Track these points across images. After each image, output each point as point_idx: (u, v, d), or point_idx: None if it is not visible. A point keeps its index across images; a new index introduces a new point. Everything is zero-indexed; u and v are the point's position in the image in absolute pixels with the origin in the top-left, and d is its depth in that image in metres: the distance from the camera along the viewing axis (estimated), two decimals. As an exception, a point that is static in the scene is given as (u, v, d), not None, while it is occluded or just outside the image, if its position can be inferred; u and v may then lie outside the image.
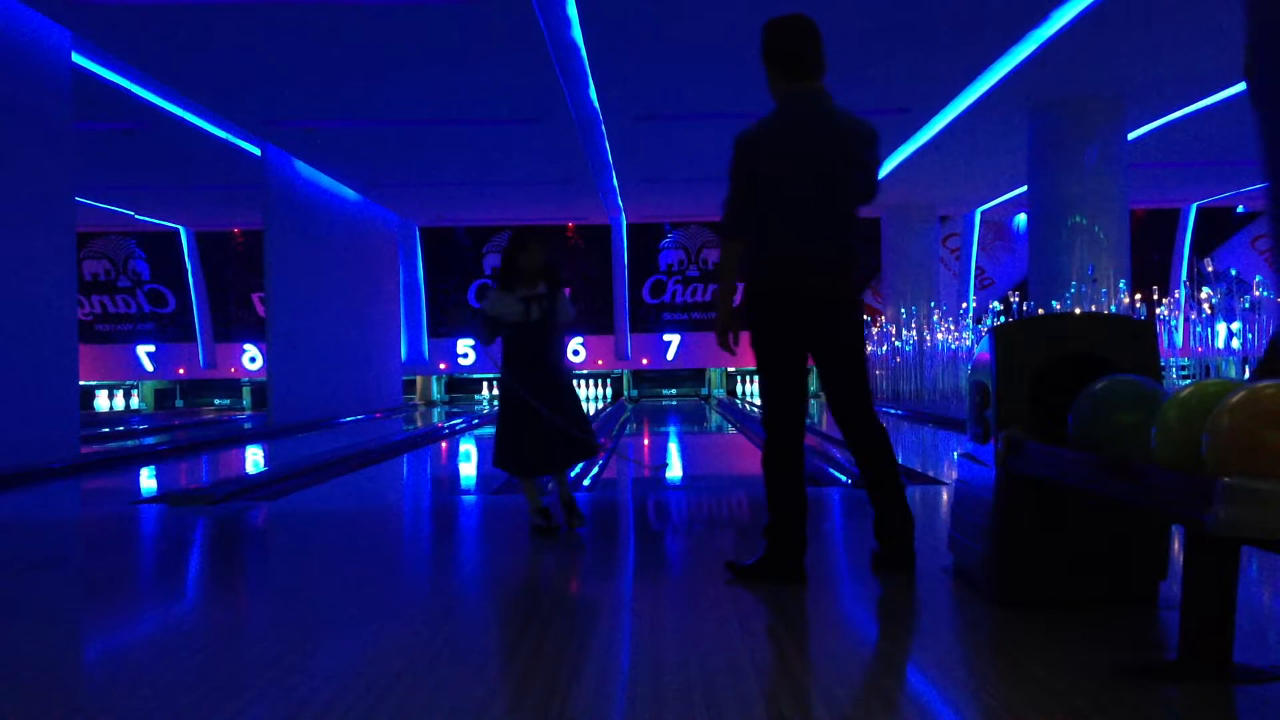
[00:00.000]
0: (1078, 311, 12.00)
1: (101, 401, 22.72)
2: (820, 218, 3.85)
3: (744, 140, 3.87)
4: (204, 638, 3.45)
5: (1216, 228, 21.84)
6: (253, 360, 22.29)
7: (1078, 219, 12.85)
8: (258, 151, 14.46)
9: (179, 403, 22.90)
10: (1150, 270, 20.22)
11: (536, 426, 4.95)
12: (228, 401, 22.85)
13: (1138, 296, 14.00)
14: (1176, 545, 3.51)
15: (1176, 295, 15.39)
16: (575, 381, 5.59)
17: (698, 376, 22.90)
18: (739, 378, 22.78)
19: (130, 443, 12.78)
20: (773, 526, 3.84)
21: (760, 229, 3.86)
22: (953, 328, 17.54)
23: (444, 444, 12.11)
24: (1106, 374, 3.11)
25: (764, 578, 3.80)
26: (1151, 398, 2.82)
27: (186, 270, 22.34)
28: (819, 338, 3.91)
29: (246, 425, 15.97)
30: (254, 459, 11.23)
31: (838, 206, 3.88)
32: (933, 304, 18.83)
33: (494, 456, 5.16)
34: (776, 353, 3.90)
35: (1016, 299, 15.74)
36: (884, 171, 3.86)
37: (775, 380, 3.91)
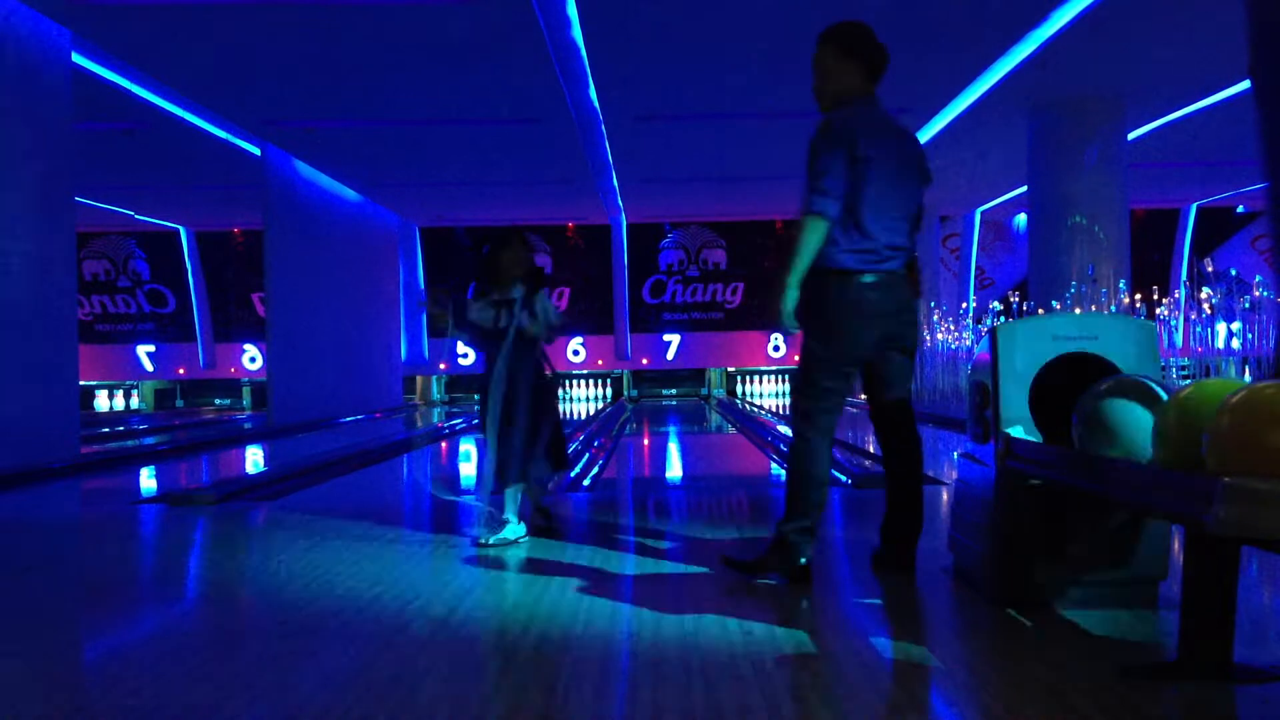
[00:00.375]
0: (1078, 311, 12.01)
1: (101, 401, 22.72)
2: (898, 216, 3.86)
3: (840, 125, 3.81)
4: (204, 637, 3.46)
5: (1216, 228, 21.84)
6: (253, 360, 22.29)
7: (1078, 219, 12.85)
8: (258, 151, 14.46)
9: (179, 403, 22.88)
10: (1150, 270, 20.22)
11: (511, 435, 4.86)
12: (228, 401, 22.84)
13: (1138, 296, 14.00)
14: (1176, 545, 3.51)
15: (1176, 295, 15.37)
16: (562, 385, 5.47)
17: (698, 376, 22.90)
18: (739, 378, 22.79)
19: (130, 443, 12.79)
20: (789, 523, 3.82)
21: (845, 219, 3.78)
22: (953, 328, 17.53)
23: (444, 444, 12.11)
24: (1106, 374, 3.11)
25: (769, 573, 3.80)
26: (1157, 398, 2.82)
27: (186, 270, 22.34)
28: (887, 335, 3.87)
29: (246, 425, 15.97)
30: (254, 459, 11.23)
31: (908, 209, 3.90)
32: (932, 304, 18.83)
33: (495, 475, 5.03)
34: (844, 348, 3.84)
35: (1016, 299, 15.73)
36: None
37: (831, 377, 3.86)
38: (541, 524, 4.99)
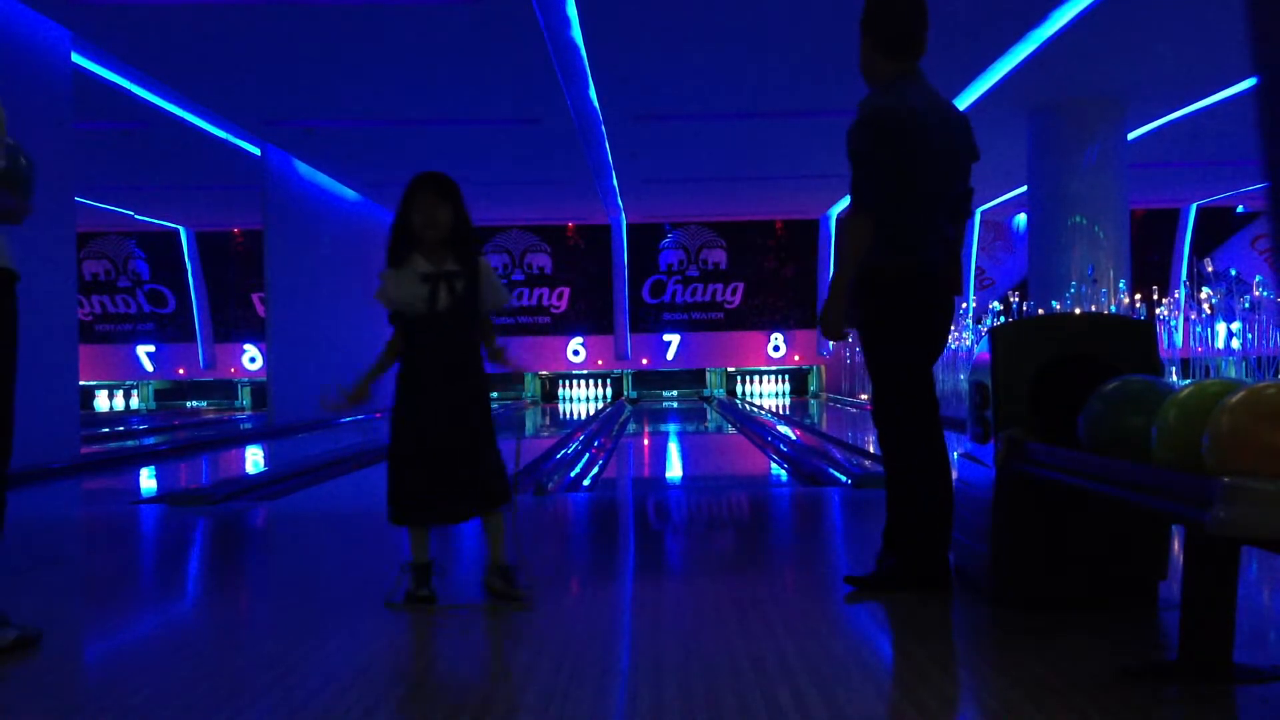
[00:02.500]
0: (1078, 311, 12.01)
1: (101, 401, 22.71)
2: (945, 203, 3.70)
3: (890, 112, 3.58)
4: (204, 637, 3.46)
5: (1216, 228, 21.84)
6: (253, 360, 22.29)
7: (1078, 219, 12.86)
8: (258, 151, 14.47)
9: (193, 404, 22.83)
10: (1150, 270, 20.22)
11: (435, 461, 3.55)
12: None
13: (1138, 296, 14.00)
14: (1176, 545, 3.51)
15: (1176, 295, 15.38)
16: (500, 393, 3.71)
17: (698, 377, 22.93)
18: (738, 378, 22.80)
19: (130, 443, 12.78)
20: (917, 528, 3.63)
21: (908, 211, 3.59)
22: (952, 328, 17.53)
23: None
24: (1106, 374, 3.11)
25: (902, 586, 3.61)
26: (1164, 399, 2.81)
27: (186, 270, 22.34)
28: (942, 330, 3.76)
29: (246, 425, 15.97)
30: (254, 459, 11.23)
31: (953, 194, 3.74)
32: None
33: (388, 508, 3.63)
34: (923, 342, 3.70)
35: (1016, 299, 15.73)
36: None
37: (918, 370, 3.70)
38: (498, 585, 3.63)
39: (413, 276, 3.53)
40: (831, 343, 22.22)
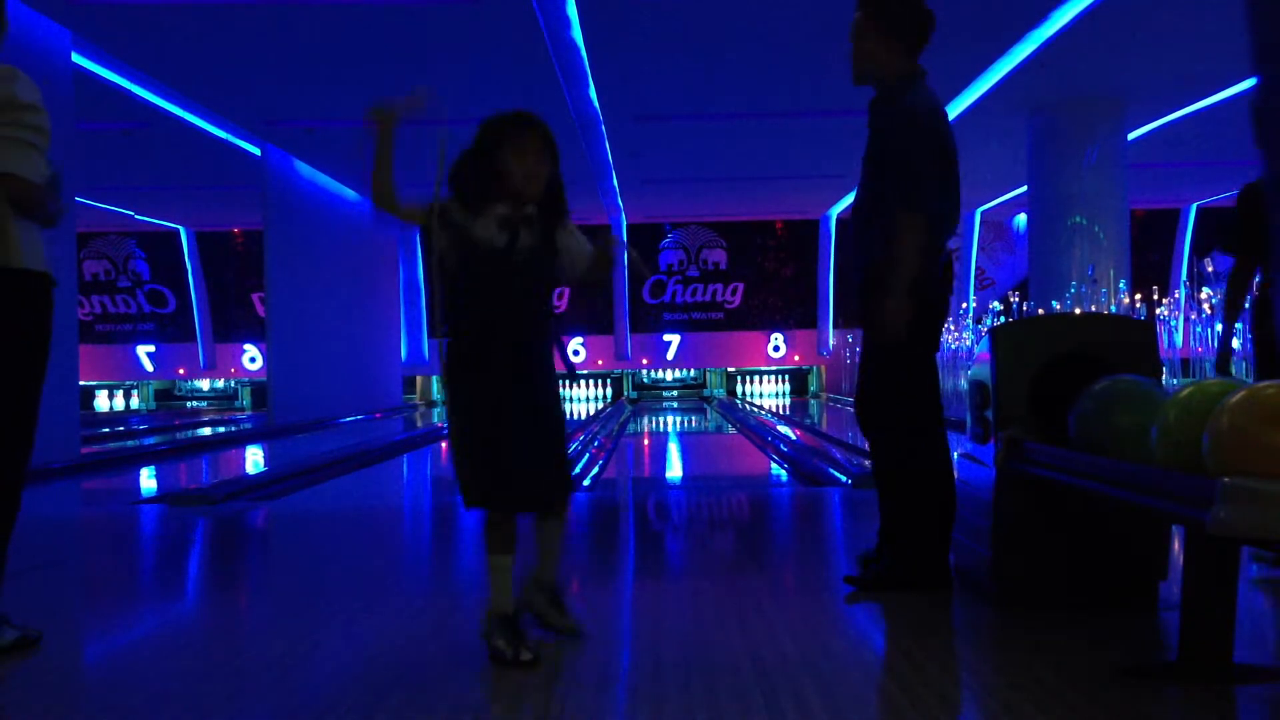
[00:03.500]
0: (1078, 311, 12.00)
1: (101, 401, 22.71)
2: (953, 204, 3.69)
3: (936, 113, 3.59)
4: (204, 638, 3.45)
5: (1216, 228, 21.83)
6: (253, 360, 22.29)
7: (1078, 219, 12.85)
8: (258, 151, 14.47)
9: (193, 404, 22.86)
10: (1150, 270, 20.21)
11: (518, 433, 2.92)
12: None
13: (1138, 296, 13.99)
14: (1176, 545, 3.51)
15: (1176, 295, 15.38)
16: (576, 383, 3.07)
17: (698, 376, 22.93)
18: (739, 378, 22.80)
19: (130, 443, 12.78)
20: (917, 528, 3.62)
21: (939, 213, 3.58)
22: (953, 328, 17.52)
23: (444, 444, 12.11)
24: (1106, 374, 3.11)
25: (902, 586, 3.60)
26: (1153, 398, 2.82)
27: (186, 270, 22.33)
28: (941, 330, 3.78)
29: (246, 425, 15.97)
30: (254, 459, 11.23)
31: (959, 195, 3.72)
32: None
33: (465, 490, 2.98)
34: (926, 341, 3.69)
35: (1016, 299, 15.73)
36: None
37: (920, 368, 3.70)
38: (541, 607, 3.11)
39: (489, 219, 2.95)
40: (832, 343, 22.29)
